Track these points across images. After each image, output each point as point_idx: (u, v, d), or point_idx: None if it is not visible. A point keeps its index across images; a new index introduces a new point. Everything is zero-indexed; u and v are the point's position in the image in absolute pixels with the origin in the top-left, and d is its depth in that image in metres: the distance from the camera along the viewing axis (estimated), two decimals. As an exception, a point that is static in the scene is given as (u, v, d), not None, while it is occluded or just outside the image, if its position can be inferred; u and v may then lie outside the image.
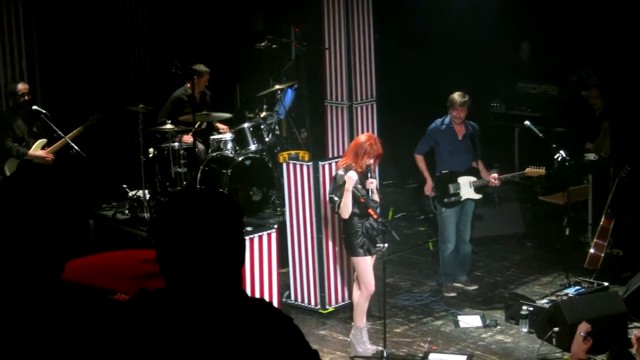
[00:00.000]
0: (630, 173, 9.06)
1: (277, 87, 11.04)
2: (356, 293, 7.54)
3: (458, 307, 8.53)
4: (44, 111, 9.67)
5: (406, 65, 12.91)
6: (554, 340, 7.50)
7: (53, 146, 9.72)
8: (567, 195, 9.13)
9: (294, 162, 8.62)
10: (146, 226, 9.80)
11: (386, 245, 7.42)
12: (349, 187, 7.19)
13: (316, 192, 8.37)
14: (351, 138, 10.41)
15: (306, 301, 8.62)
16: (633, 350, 5.86)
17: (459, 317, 8.24)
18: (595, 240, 9.00)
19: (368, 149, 7.27)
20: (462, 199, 8.76)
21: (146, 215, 9.97)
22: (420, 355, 7.49)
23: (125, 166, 10.86)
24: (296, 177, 8.51)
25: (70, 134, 9.71)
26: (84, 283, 7.03)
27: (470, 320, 8.17)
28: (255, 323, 2.25)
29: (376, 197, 7.42)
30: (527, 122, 9.18)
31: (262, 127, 10.36)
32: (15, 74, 10.65)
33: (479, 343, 7.73)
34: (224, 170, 9.69)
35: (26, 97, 9.62)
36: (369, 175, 7.31)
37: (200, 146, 10.27)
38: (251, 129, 10.25)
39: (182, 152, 9.81)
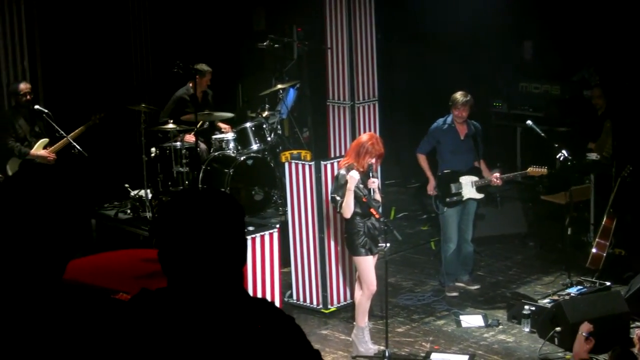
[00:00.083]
0: (632, 173, 9.06)
1: (279, 86, 11.03)
2: (358, 293, 7.54)
3: (460, 307, 8.53)
4: (46, 111, 9.67)
5: (408, 64, 12.91)
6: (556, 340, 7.49)
7: (55, 146, 9.72)
8: (569, 195, 9.13)
9: (296, 161, 8.62)
10: (148, 226, 9.80)
11: (388, 244, 7.42)
12: (350, 186, 7.19)
13: (318, 191, 8.37)
14: (353, 137, 10.41)
15: (308, 301, 8.62)
16: (635, 350, 5.85)
17: (461, 317, 8.23)
18: (597, 239, 9.00)
19: (370, 149, 7.26)
20: (464, 198, 8.76)
21: (148, 214, 9.97)
22: (422, 354, 7.49)
23: (127, 166, 10.85)
24: (298, 176, 8.50)
25: (72, 134, 9.71)
26: (86, 283, 7.01)
27: (472, 320, 8.17)
28: (257, 323, 2.25)
29: (378, 197, 7.42)
30: (529, 122, 9.17)
31: (264, 126, 10.35)
32: (17, 73, 10.65)
33: (481, 343, 7.73)
34: (226, 170, 9.69)
35: (28, 97, 9.62)
36: (371, 175, 7.30)
37: (202, 146, 10.27)
38: (253, 128, 10.24)
39: (184, 151, 9.81)
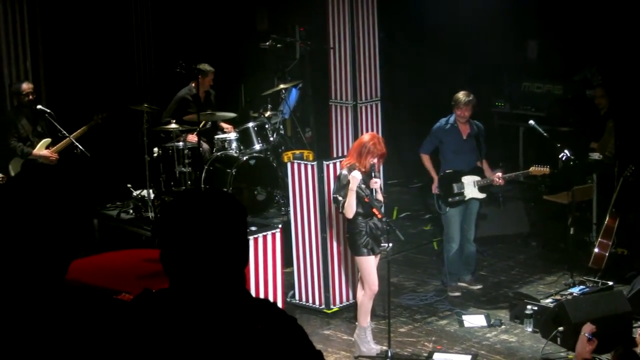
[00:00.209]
0: (634, 172, 9.06)
1: (281, 86, 11.03)
2: (360, 293, 7.54)
3: (462, 307, 8.53)
4: (48, 110, 9.67)
5: (411, 64, 12.91)
6: (558, 339, 7.49)
7: (57, 146, 9.72)
8: (571, 195, 9.11)
9: (299, 161, 8.62)
10: (150, 226, 9.80)
11: (390, 244, 7.43)
12: (353, 186, 7.18)
13: (320, 191, 8.37)
14: (356, 137, 10.41)
15: (310, 301, 8.62)
16: (638, 350, 5.84)
17: (464, 317, 8.23)
18: (599, 239, 8.99)
19: (372, 149, 7.26)
20: (467, 198, 8.75)
21: (150, 214, 9.96)
22: (425, 354, 7.49)
23: (130, 166, 10.84)
24: (300, 176, 8.50)
25: (75, 134, 9.71)
26: (88, 283, 7.02)
27: (474, 320, 8.17)
28: (258, 324, 2.25)
29: (380, 197, 7.41)
30: (531, 122, 9.16)
31: (266, 126, 10.35)
32: (19, 73, 10.65)
33: (483, 342, 7.73)
34: (228, 170, 9.69)
35: (30, 97, 9.62)
36: (373, 175, 7.30)
37: (205, 146, 10.27)
38: (256, 128, 10.24)
39: (186, 151, 9.81)
